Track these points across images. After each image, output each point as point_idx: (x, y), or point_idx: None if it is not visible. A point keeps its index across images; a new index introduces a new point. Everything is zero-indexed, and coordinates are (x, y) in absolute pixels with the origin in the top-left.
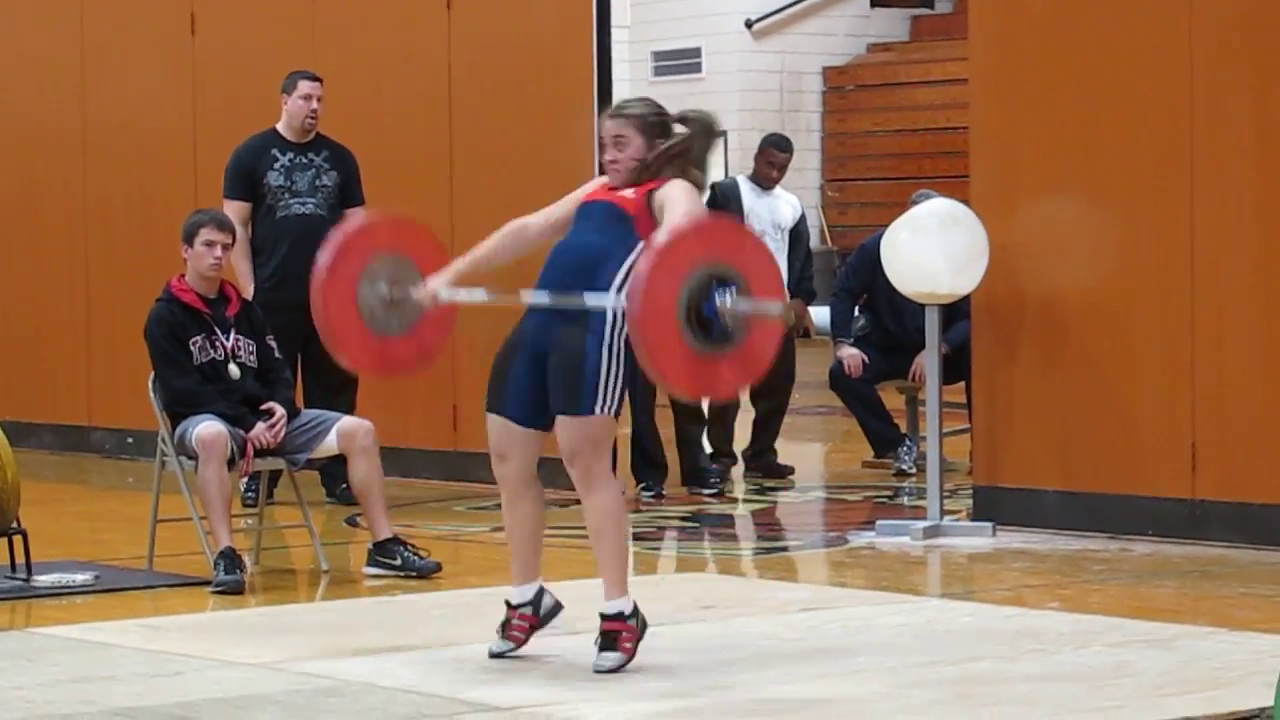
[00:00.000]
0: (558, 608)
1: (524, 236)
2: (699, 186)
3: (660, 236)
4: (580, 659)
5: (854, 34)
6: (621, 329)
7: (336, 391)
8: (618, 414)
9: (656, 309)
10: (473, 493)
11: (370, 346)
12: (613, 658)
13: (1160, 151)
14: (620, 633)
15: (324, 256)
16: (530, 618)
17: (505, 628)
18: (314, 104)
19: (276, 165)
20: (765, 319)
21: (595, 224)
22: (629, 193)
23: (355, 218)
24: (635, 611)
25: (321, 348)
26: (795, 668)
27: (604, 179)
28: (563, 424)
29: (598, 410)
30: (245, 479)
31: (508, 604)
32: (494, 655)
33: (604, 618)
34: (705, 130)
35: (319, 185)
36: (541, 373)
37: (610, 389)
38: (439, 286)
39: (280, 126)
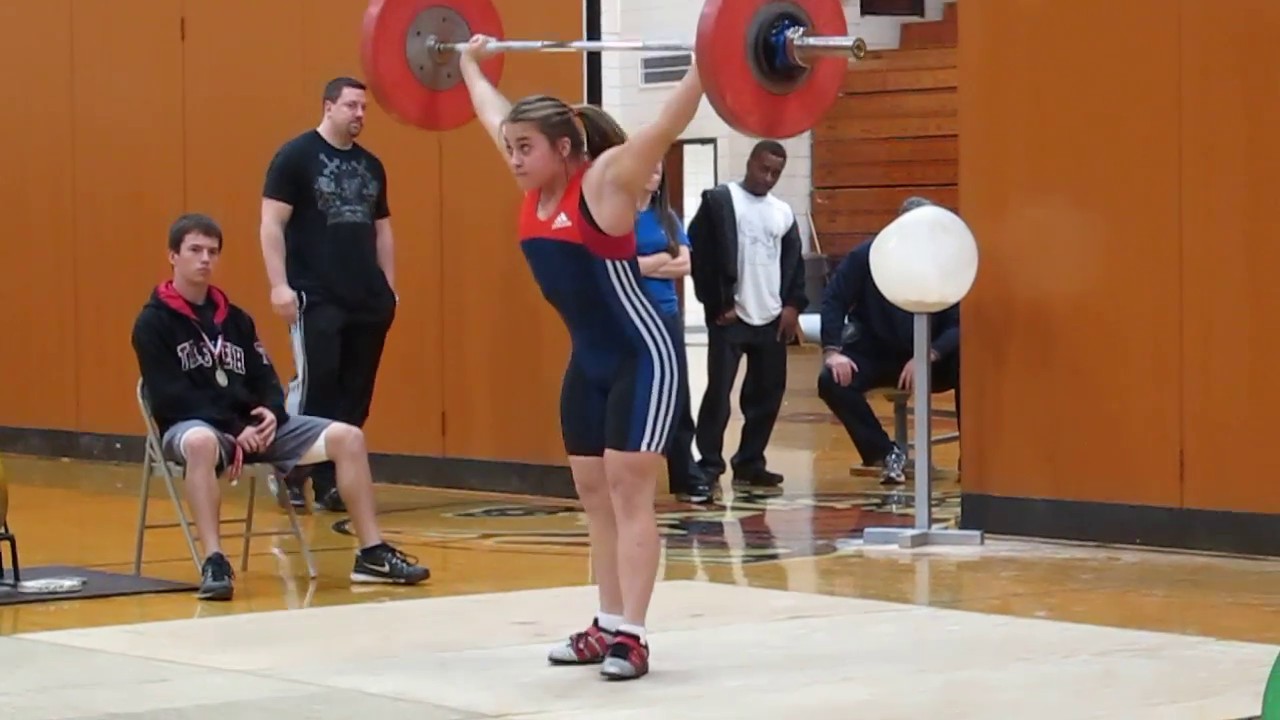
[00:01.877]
0: None
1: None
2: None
3: None
4: (567, 666)
5: None
6: (670, 373)
7: (356, 395)
8: (666, 450)
9: (725, 42)
10: (461, 499)
11: (420, 99)
12: (622, 664)
13: (1149, 159)
14: (632, 648)
15: (372, 9)
16: (606, 644)
17: (580, 639)
18: (359, 110)
19: (326, 171)
20: (833, 54)
21: (555, 270)
22: (564, 220)
23: None
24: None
25: (354, 343)
26: (783, 675)
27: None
28: (610, 456)
29: (643, 447)
30: (273, 482)
31: (595, 621)
32: (553, 660)
33: (620, 633)
34: (597, 114)
35: (365, 194)
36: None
37: (657, 428)
38: (487, 37)
39: (323, 131)
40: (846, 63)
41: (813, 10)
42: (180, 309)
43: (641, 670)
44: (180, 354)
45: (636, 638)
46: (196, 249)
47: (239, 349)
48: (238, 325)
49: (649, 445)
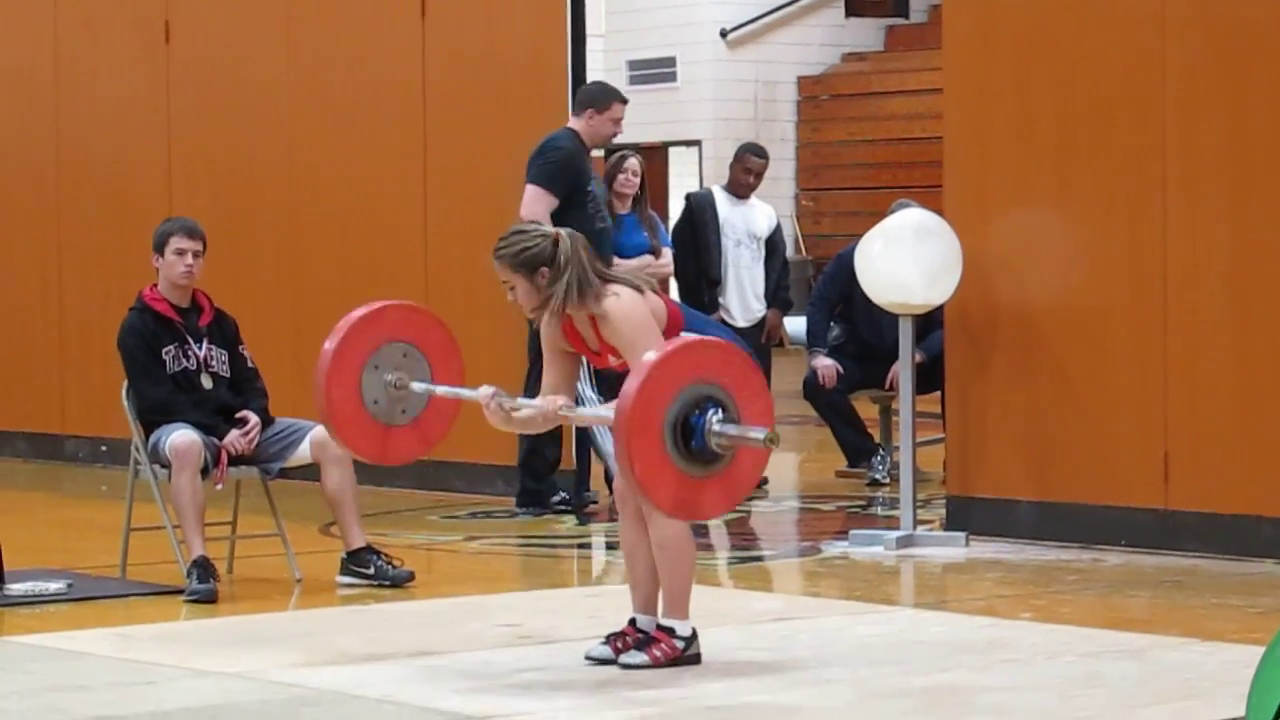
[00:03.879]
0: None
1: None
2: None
3: (650, 355)
4: (552, 669)
5: (829, 44)
6: None
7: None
8: None
9: (644, 426)
10: (446, 502)
11: (371, 435)
12: (638, 656)
13: (1133, 162)
14: (659, 641)
15: (328, 344)
16: (639, 638)
17: (616, 637)
18: (620, 128)
19: (592, 174)
20: (750, 445)
21: None
22: (615, 359)
23: (365, 306)
24: (690, 638)
25: None
26: (768, 678)
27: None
28: None
29: None
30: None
31: (632, 620)
32: (589, 658)
33: (658, 626)
34: (570, 243)
35: (605, 200)
36: None
37: None
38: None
39: (582, 133)
40: (768, 449)
41: (739, 395)
42: (165, 312)
43: (660, 664)
44: (165, 357)
45: (670, 631)
46: (180, 252)
47: (224, 352)
48: (222, 328)
49: None
